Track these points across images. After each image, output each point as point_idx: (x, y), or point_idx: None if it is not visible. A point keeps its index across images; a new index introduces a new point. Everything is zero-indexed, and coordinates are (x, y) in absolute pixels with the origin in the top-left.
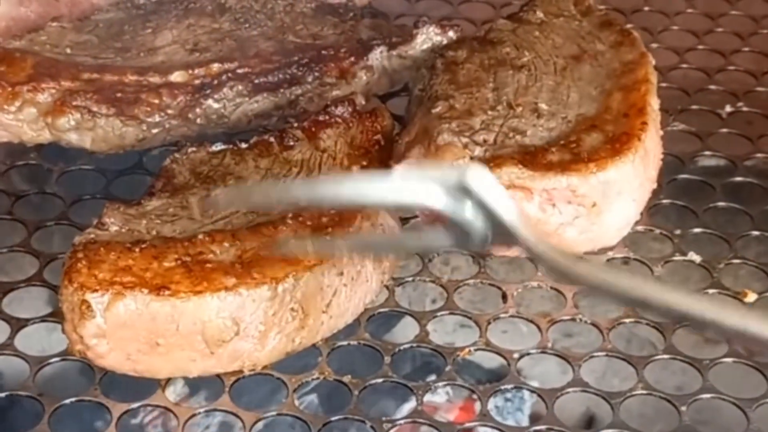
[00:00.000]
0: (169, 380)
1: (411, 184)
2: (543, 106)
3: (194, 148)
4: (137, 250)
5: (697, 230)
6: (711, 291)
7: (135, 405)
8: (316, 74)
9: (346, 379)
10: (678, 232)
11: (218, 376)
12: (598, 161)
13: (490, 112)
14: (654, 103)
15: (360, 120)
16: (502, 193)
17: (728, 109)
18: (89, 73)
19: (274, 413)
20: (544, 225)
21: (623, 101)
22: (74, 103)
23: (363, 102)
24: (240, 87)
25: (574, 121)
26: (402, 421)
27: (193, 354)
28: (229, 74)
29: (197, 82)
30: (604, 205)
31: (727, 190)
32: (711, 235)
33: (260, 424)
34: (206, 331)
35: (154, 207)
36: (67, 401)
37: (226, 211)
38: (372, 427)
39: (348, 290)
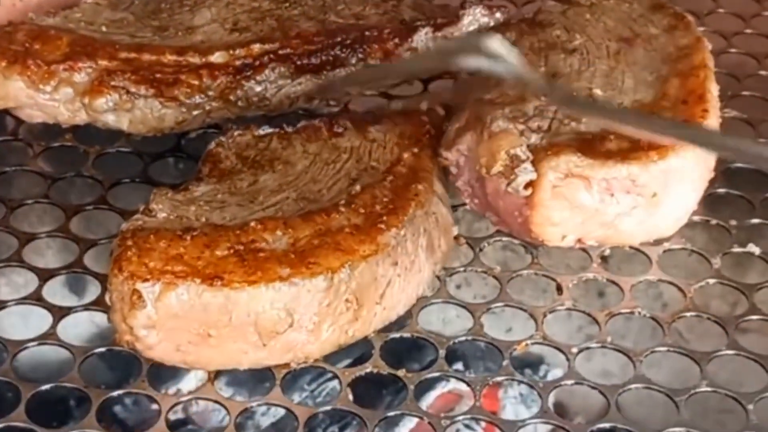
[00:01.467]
0: (218, 372)
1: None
2: (597, 91)
3: (240, 131)
4: (188, 238)
5: (754, 221)
6: None
7: (184, 398)
8: (360, 56)
9: (401, 373)
10: (734, 222)
11: (269, 368)
12: (659, 149)
13: (543, 98)
14: (713, 89)
15: (408, 117)
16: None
17: None
18: (127, 53)
19: (328, 408)
20: (602, 215)
21: (681, 87)
22: (112, 83)
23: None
24: (282, 69)
25: (630, 107)
26: (461, 417)
27: (245, 346)
28: (271, 55)
29: (238, 63)
30: (664, 195)
31: None
32: None
33: (314, 419)
34: (260, 323)
35: (203, 193)
36: (115, 393)
37: (275, 197)
38: (430, 423)
39: (402, 281)
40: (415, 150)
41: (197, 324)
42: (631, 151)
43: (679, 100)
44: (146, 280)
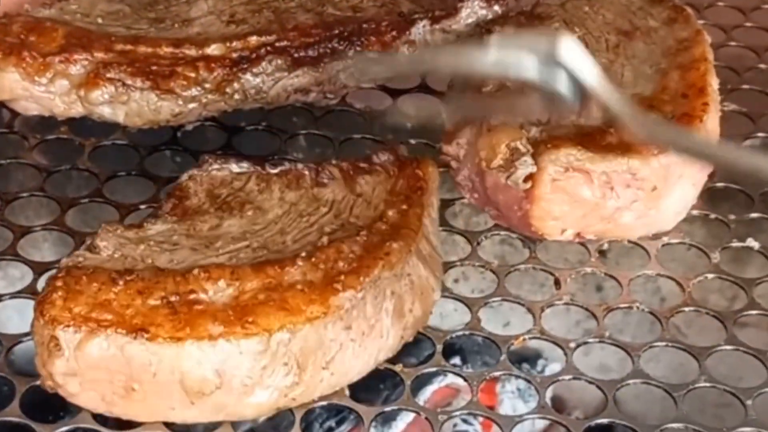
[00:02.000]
0: None
1: (506, 54)
2: None
3: (217, 166)
4: (121, 282)
5: (753, 215)
6: None
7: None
8: (358, 48)
9: (398, 367)
10: (733, 216)
11: None
12: None
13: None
14: (714, 82)
15: (402, 169)
16: (590, 61)
17: None
18: (123, 45)
19: (325, 403)
20: (602, 209)
21: (681, 81)
22: (108, 76)
23: (405, 153)
24: (279, 61)
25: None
26: (458, 413)
27: (171, 402)
28: (268, 48)
29: (235, 55)
30: (665, 189)
31: None
32: None
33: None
34: (185, 382)
35: (157, 232)
36: None
37: (234, 245)
38: (427, 418)
39: (356, 346)
40: (404, 207)
41: (121, 376)
42: (632, 144)
43: (679, 93)
44: (67, 326)
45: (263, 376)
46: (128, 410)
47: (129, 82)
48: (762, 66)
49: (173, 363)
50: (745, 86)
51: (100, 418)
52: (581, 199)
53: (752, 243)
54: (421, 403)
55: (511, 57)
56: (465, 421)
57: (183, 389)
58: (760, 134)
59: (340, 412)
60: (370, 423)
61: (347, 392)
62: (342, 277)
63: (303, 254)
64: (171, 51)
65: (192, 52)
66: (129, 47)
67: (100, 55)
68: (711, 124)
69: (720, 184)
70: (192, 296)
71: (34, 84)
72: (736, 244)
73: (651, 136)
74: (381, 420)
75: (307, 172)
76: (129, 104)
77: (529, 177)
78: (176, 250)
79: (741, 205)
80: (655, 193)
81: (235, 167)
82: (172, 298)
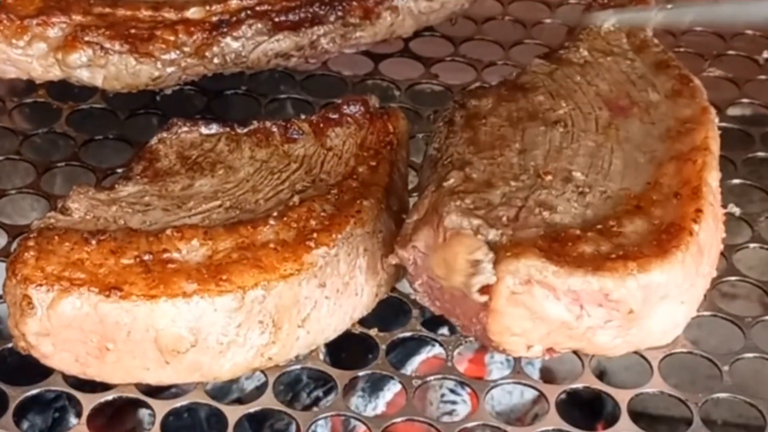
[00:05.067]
0: None
1: None
2: (578, 174)
3: (186, 128)
4: (94, 242)
5: (735, 181)
6: (752, 245)
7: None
8: (339, 14)
9: (373, 332)
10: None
11: None
12: (640, 260)
13: (513, 183)
14: (712, 180)
15: (372, 121)
16: None
17: (765, 55)
18: (101, 7)
19: (298, 367)
20: (570, 328)
21: (676, 176)
22: (86, 39)
23: (377, 104)
24: (259, 25)
25: (615, 197)
26: (432, 378)
27: (146, 362)
28: (248, 11)
29: (215, 19)
30: (644, 311)
31: (766, 140)
32: (750, 187)
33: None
34: (160, 340)
35: (129, 193)
36: None
37: (206, 204)
38: (401, 383)
39: (331, 304)
40: (373, 163)
41: (94, 336)
42: (607, 259)
43: (672, 192)
44: (40, 285)
45: (238, 334)
46: (102, 371)
47: (107, 45)
48: (748, 32)
49: (147, 321)
50: (731, 52)
51: (73, 381)
52: (545, 316)
53: (734, 209)
54: (408, 373)
55: None
56: (453, 391)
57: (158, 348)
58: (745, 100)
59: (327, 382)
60: (343, 387)
61: (323, 356)
62: (315, 235)
63: (275, 214)
64: (150, 14)
65: (171, 15)
66: (107, 10)
67: (78, 17)
68: (705, 235)
69: None
70: (165, 255)
71: (12, 47)
72: None
73: None
74: (369, 389)
75: (276, 129)
76: (107, 68)
77: (486, 288)
78: (148, 211)
79: (723, 171)
80: (632, 315)
81: (204, 129)
82: (146, 257)
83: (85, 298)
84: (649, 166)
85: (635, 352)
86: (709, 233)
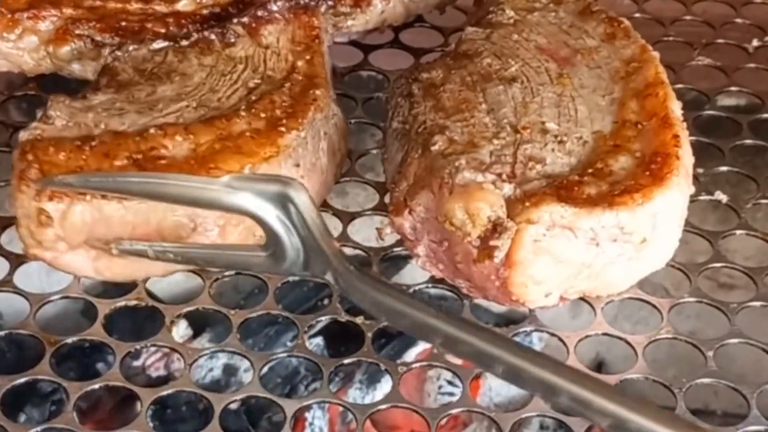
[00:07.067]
0: (173, 321)
1: (240, 194)
2: (552, 125)
3: (135, 46)
4: (87, 148)
5: (723, 168)
6: (738, 232)
7: (139, 345)
8: (330, 3)
9: (359, 320)
10: (702, 170)
11: (226, 317)
12: (643, 191)
13: (495, 141)
14: (676, 108)
15: (297, 16)
16: (317, 214)
17: (755, 43)
18: (92, 0)
19: (284, 354)
20: (588, 267)
21: (641, 111)
22: (77, 32)
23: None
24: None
25: (591, 141)
26: (416, 365)
27: None
28: (240, 4)
29: (206, 11)
30: (654, 238)
31: (754, 127)
32: (738, 174)
33: (267, 366)
34: (162, 231)
35: (101, 101)
36: (69, 340)
37: (175, 104)
38: (386, 369)
39: (306, 181)
40: (308, 57)
41: (104, 236)
42: (613, 196)
43: (642, 126)
44: (51, 197)
45: (231, 215)
46: (114, 267)
47: (98, 38)
48: (737, 20)
49: (148, 215)
50: (720, 40)
51: (60, 369)
52: (566, 259)
53: (720, 196)
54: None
55: (244, 196)
56: (450, 383)
57: (161, 238)
58: (734, 88)
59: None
60: (328, 376)
61: (309, 346)
62: (284, 121)
63: (243, 107)
64: (140, 6)
65: (162, 7)
66: (98, 3)
67: (68, 11)
68: (687, 157)
69: (690, 138)
70: (154, 152)
71: (2, 40)
72: (704, 197)
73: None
74: (366, 381)
75: (213, 36)
76: (98, 60)
77: (496, 245)
78: (124, 115)
79: (711, 158)
80: (644, 245)
81: (151, 45)
82: (137, 157)
83: (91, 204)
84: (611, 107)
85: (620, 338)
86: (687, 155)
